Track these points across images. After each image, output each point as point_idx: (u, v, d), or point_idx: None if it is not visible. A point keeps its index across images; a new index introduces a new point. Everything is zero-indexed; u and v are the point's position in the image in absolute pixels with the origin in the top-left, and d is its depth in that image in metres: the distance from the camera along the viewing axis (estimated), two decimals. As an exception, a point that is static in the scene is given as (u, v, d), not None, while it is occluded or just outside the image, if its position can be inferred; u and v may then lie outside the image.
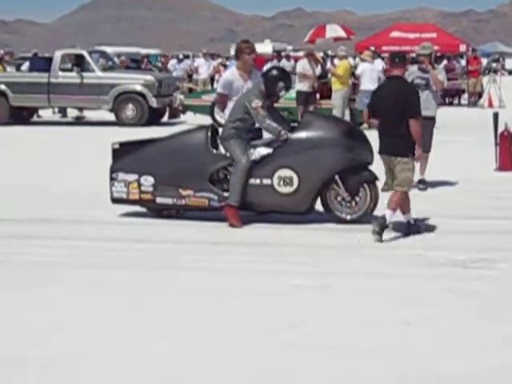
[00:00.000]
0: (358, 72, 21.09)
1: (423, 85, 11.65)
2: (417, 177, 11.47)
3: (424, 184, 11.97)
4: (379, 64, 23.30)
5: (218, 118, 11.05)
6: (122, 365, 4.85)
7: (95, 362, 4.91)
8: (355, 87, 21.28)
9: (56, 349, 5.11)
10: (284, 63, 22.92)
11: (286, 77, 9.70)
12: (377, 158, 9.27)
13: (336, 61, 20.64)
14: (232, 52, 47.52)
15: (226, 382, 4.50)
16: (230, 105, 9.83)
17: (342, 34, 26.23)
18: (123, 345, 5.22)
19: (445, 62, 29.75)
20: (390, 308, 6.16)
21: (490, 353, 5.02)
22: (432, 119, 11.69)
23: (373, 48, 23.86)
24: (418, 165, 11.43)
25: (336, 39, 25.95)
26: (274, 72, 9.63)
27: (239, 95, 9.73)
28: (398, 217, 9.37)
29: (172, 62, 36.39)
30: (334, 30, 25.51)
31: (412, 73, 11.95)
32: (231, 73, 10.28)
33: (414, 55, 22.05)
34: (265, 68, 17.23)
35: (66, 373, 4.64)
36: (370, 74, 20.13)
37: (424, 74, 11.56)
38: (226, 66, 34.37)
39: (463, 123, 16.00)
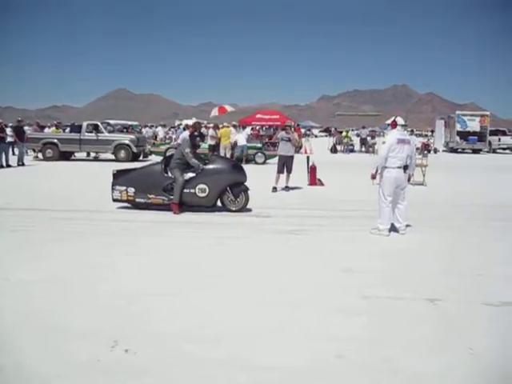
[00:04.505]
0: (236, 137, 23.94)
1: (287, 140, 14.12)
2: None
3: (287, 188, 14.32)
4: (248, 131, 28.02)
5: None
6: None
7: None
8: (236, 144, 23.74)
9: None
10: (203, 130, 24.40)
11: (200, 136, 11.27)
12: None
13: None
14: (176, 123, 53.34)
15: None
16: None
17: (233, 109, 30.98)
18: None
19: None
20: (252, 253, 7.29)
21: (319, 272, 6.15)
22: (292, 157, 14.20)
23: (244, 124, 28.17)
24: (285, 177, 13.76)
25: (221, 113, 29.51)
26: (196, 134, 11.17)
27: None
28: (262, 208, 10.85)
29: (144, 130, 42.12)
30: (230, 108, 30.33)
31: (282, 134, 14.36)
32: (184, 134, 12.25)
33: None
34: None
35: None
36: (241, 137, 24.03)
37: (287, 135, 14.06)
38: (171, 130, 42.83)
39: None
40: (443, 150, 40.04)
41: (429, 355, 4.09)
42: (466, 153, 38.57)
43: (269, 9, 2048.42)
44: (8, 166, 21.43)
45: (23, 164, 22.45)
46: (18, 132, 22.98)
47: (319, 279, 6.05)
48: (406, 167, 8.73)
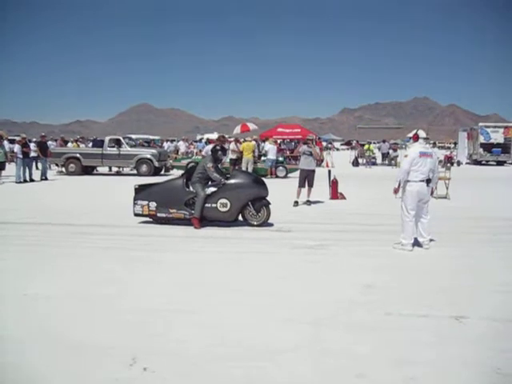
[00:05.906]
0: (265, 148, 24.76)
1: (309, 154, 14.11)
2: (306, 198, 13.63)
3: (309, 202, 14.24)
4: (274, 144, 26.46)
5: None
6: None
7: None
8: (260, 157, 24.71)
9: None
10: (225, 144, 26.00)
11: (223, 150, 11.22)
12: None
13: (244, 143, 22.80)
14: (198, 138, 52.42)
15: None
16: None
17: (255, 127, 31.20)
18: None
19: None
20: (274, 269, 7.23)
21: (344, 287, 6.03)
22: (314, 171, 14.16)
23: (272, 138, 27.60)
24: (306, 191, 13.77)
25: (243, 131, 29.90)
26: (217, 148, 11.16)
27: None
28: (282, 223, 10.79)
29: (166, 144, 42.97)
30: (253, 126, 30.37)
31: (303, 148, 14.32)
32: (208, 148, 12.13)
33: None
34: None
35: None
36: (272, 150, 24.25)
37: (309, 149, 14.07)
38: (193, 144, 42.80)
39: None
40: (466, 163, 39.68)
41: (453, 375, 4.00)
42: (490, 165, 38.18)
43: (290, 20, 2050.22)
44: (31, 180, 21.81)
45: (46, 178, 22.81)
46: (42, 147, 23.41)
47: (341, 295, 5.95)
48: (428, 180, 8.64)
